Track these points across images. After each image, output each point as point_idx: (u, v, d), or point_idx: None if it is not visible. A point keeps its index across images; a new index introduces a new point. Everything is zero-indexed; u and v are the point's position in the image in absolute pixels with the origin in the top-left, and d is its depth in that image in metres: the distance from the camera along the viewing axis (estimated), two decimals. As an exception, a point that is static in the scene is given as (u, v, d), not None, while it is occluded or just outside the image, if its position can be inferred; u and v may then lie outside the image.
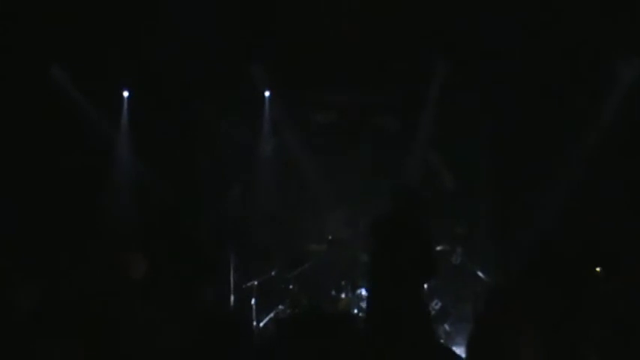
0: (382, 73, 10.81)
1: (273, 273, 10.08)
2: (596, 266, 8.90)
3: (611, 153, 10.17)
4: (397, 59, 10.63)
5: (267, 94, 11.20)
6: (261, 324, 9.73)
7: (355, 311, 9.27)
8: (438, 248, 9.81)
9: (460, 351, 9.52)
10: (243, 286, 9.84)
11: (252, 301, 9.75)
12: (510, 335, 4.12)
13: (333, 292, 9.69)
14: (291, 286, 10.01)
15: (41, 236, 10.24)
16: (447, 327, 9.80)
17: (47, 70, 10.47)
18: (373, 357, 6.76)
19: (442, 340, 9.47)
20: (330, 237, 10.30)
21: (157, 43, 10.14)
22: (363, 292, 9.34)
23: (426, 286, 9.74)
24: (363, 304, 9.23)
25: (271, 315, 9.85)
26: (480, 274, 9.46)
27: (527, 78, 10.57)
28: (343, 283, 9.63)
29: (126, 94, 11.11)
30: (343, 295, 9.57)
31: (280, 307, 9.84)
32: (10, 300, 6.05)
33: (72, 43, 10.00)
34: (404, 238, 7.25)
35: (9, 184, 10.36)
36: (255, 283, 9.83)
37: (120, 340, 4.07)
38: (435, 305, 9.83)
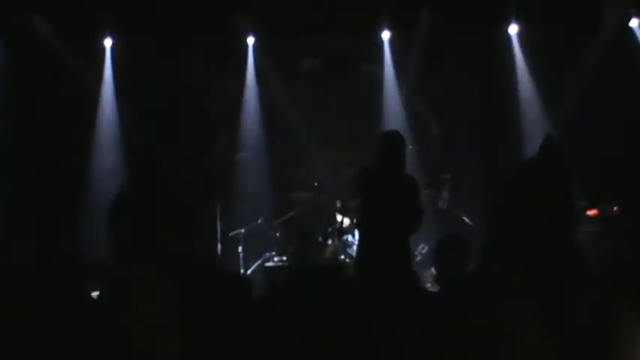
0: (367, 18, 10.76)
1: (259, 221, 10.09)
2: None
3: (598, 95, 10.24)
4: (383, 5, 10.59)
5: (250, 41, 11.09)
6: (248, 272, 9.76)
7: (342, 257, 9.30)
8: (424, 193, 9.83)
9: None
10: (230, 235, 9.85)
11: (239, 249, 9.78)
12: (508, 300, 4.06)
13: (320, 239, 9.70)
14: (277, 234, 10.04)
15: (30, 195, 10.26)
16: (433, 271, 9.81)
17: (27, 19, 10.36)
18: (360, 304, 6.76)
19: (429, 284, 9.52)
20: (315, 184, 10.30)
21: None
22: (350, 238, 9.35)
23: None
24: (350, 251, 9.26)
25: (258, 263, 9.87)
26: (465, 218, 9.48)
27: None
28: (330, 229, 9.64)
29: (108, 43, 10.94)
30: (330, 242, 9.58)
31: (267, 254, 9.87)
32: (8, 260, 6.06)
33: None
34: (391, 186, 7.22)
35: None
36: (242, 231, 9.85)
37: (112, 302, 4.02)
38: (422, 249, 9.88)
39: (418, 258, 9.80)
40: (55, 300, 3.82)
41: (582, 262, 6.50)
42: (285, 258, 9.69)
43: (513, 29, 10.76)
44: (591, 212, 9.13)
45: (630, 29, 10.55)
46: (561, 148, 6.74)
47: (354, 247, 9.25)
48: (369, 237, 7.45)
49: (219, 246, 9.68)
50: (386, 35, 10.96)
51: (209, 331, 3.68)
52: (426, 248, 9.90)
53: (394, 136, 7.42)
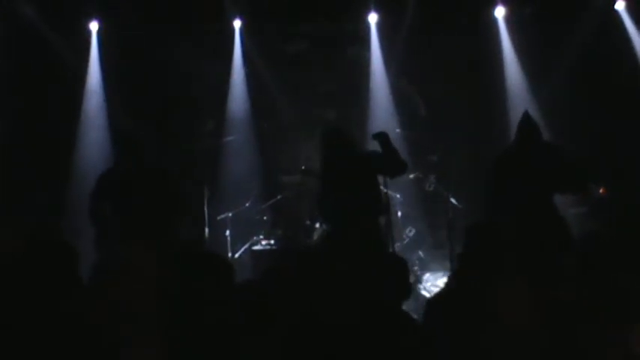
0: (354, 1, 10.75)
1: (247, 204, 10.08)
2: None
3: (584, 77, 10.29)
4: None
5: (237, 25, 11.04)
6: (236, 255, 9.75)
7: (330, 241, 9.28)
8: (411, 176, 9.85)
9: (434, 277, 9.63)
10: (218, 218, 9.83)
11: (227, 233, 9.77)
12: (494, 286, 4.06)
13: (308, 222, 9.69)
14: (265, 217, 10.03)
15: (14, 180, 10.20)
16: (420, 253, 9.87)
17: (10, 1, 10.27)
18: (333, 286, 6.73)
19: (416, 267, 9.55)
20: (303, 167, 10.29)
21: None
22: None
23: (399, 213, 9.83)
24: (338, 234, 9.25)
25: (246, 246, 9.86)
26: (453, 200, 9.48)
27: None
28: (317, 212, 9.63)
29: (94, 26, 10.84)
30: (317, 225, 9.58)
31: (255, 238, 9.85)
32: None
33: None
34: (349, 167, 7.18)
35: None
36: (230, 214, 9.84)
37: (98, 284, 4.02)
38: (409, 232, 9.91)
39: (406, 241, 9.83)
40: (47, 282, 3.82)
41: (563, 224, 6.61)
42: (272, 242, 9.68)
43: (500, 12, 10.77)
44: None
45: (616, 11, 10.59)
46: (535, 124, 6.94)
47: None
48: (333, 227, 7.40)
49: (206, 230, 9.65)
50: (373, 18, 10.94)
51: (190, 313, 3.68)
52: (414, 231, 9.93)
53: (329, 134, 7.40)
